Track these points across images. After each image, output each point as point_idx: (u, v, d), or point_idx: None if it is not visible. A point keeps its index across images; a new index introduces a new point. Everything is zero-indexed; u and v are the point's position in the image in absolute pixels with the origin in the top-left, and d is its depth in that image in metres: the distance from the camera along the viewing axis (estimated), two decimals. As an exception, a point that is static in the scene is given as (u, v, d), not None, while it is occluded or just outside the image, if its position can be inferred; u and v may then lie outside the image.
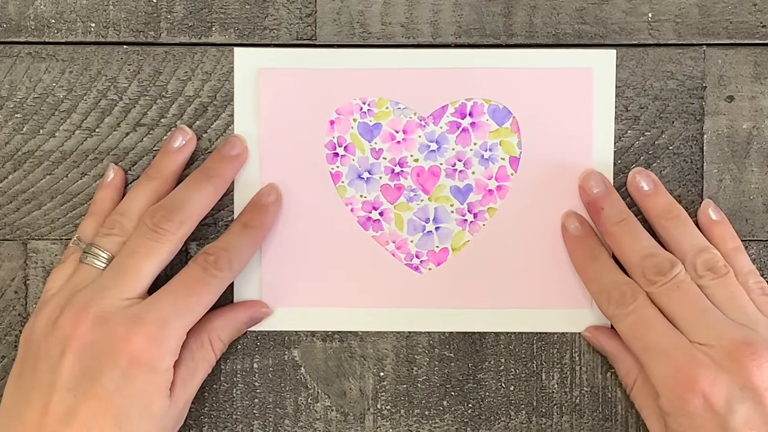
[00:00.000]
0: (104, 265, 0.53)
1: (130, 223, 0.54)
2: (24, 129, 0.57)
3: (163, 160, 0.56)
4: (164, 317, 0.51)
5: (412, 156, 0.57)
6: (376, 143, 0.57)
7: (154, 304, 0.51)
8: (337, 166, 0.57)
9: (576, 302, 0.56)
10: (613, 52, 0.56)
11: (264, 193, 0.56)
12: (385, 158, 0.57)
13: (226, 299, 0.56)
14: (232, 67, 0.57)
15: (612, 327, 0.56)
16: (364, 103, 0.57)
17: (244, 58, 0.57)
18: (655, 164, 0.57)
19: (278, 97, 0.56)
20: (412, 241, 0.57)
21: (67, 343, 0.50)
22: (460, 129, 0.57)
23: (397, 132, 0.57)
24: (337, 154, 0.57)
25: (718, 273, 0.53)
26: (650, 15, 0.57)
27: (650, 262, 0.53)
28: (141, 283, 0.52)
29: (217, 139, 0.57)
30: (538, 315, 0.57)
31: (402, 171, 0.57)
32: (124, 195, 0.56)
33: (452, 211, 0.57)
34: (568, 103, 0.56)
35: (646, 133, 0.57)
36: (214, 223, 0.57)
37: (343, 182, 0.57)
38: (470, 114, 0.56)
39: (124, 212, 0.54)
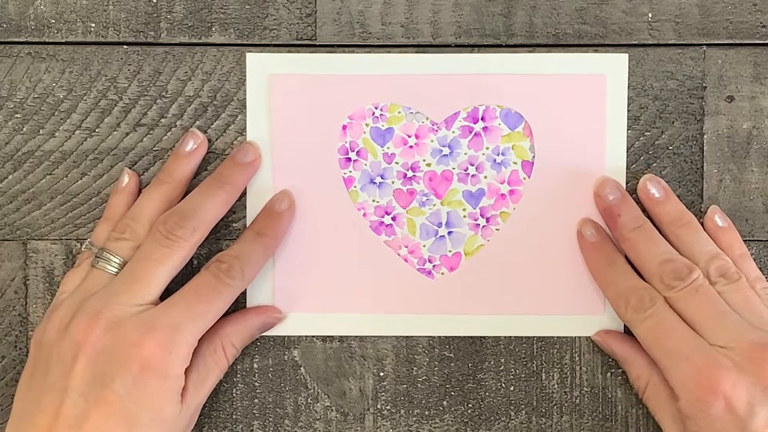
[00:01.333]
0: (115, 270, 0.53)
1: (141, 228, 0.54)
2: (24, 129, 0.57)
3: (175, 164, 0.56)
4: (175, 324, 0.50)
5: (424, 160, 0.57)
6: (388, 148, 0.57)
7: (165, 310, 0.51)
8: (350, 171, 0.57)
9: (590, 308, 0.56)
10: (625, 56, 0.56)
11: (277, 200, 0.56)
12: (397, 163, 0.57)
13: (239, 304, 0.56)
14: (233, 67, 0.57)
15: (623, 331, 0.56)
16: (376, 108, 0.57)
17: (256, 64, 0.56)
18: (655, 164, 0.57)
19: (291, 102, 0.56)
20: (424, 246, 0.57)
21: (79, 348, 0.50)
22: (473, 133, 0.57)
23: (409, 137, 0.57)
24: (349, 159, 0.57)
25: (730, 279, 0.53)
26: (650, 15, 0.57)
27: (668, 268, 0.53)
28: (153, 290, 0.52)
29: (216, 140, 0.57)
30: (553, 321, 0.56)
31: (414, 175, 0.57)
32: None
33: (465, 216, 0.57)
34: (580, 108, 0.56)
35: (646, 133, 0.57)
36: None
37: (355, 187, 0.57)
38: (482, 118, 0.56)
39: (135, 217, 0.54)
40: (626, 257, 0.55)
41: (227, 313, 0.54)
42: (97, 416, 0.49)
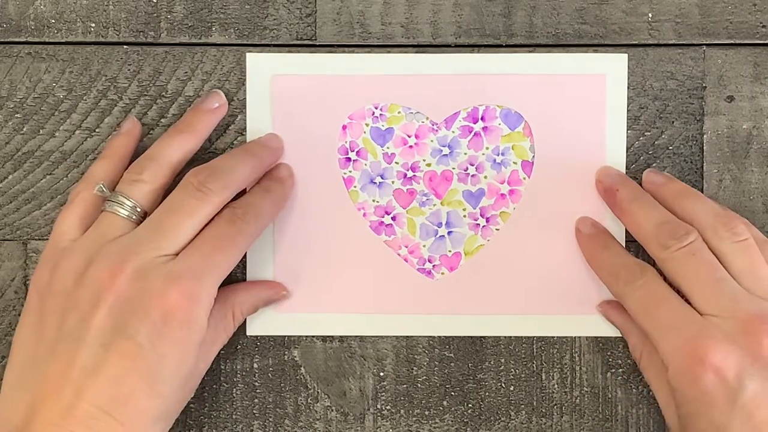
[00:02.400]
0: (127, 214, 0.51)
1: (160, 170, 0.52)
2: (24, 129, 0.57)
3: (195, 116, 0.55)
4: (198, 274, 0.49)
5: (424, 160, 0.57)
6: (388, 148, 0.57)
7: (186, 260, 0.50)
8: (350, 171, 0.57)
9: (590, 308, 0.56)
10: (625, 56, 0.56)
11: (278, 167, 0.56)
12: (397, 163, 0.57)
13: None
14: (233, 67, 0.57)
15: None
16: (376, 108, 0.57)
17: (256, 64, 0.56)
18: (655, 164, 0.57)
19: (291, 102, 0.56)
20: (424, 246, 0.57)
21: (100, 296, 0.48)
22: (473, 133, 0.57)
23: (409, 136, 0.57)
24: (349, 159, 0.57)
25: (738, 235, 0.52)
26: (650, 15, 0.57)
27: (665, 228, 0.52)
28: (178, 242, 0.50)
29: (217, 140, 0.57)
30: (553, 320, 0.56)
31: (414, 175, 0.57)
32: (137, 152, 0.55)
33: (465, 216, 0.57)
34: (580, 108, 0.56)
35: (646, 133, 0.57)
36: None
37: (355, 187, 0.57)
38: (482, 118, 0.56)
39: (154, 156, 0.53)
40: (624, 248, 0.55)
41: (236, 282, 0.54)
42: (116, 367, 0.47)
